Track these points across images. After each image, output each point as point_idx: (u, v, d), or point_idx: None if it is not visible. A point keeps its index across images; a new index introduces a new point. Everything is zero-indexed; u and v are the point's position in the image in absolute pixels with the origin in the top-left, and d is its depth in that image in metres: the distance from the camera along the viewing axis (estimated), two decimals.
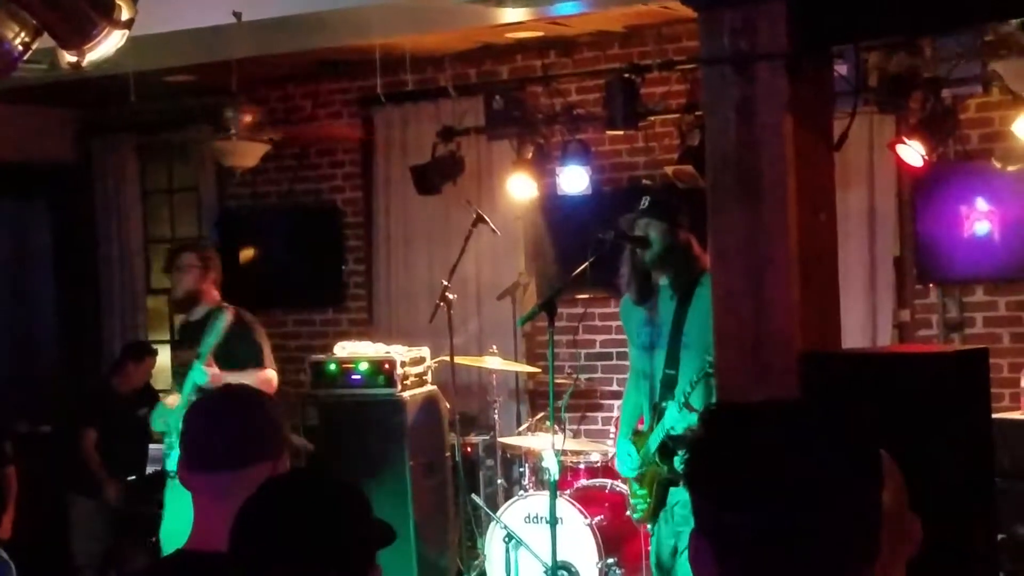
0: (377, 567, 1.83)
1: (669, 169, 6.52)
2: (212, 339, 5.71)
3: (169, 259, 6.28)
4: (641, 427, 4.98)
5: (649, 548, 5.15)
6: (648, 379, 4.96)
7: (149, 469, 7.42)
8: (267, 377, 5.91)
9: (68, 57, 3.78)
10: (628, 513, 5.17)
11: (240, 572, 1.78)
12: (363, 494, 1.88)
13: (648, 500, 4.89)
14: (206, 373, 5.65)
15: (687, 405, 4.62)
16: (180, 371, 5.95)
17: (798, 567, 1.31)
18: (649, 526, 5.01)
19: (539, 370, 7.33)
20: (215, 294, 6.11)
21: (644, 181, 7.31)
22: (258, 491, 1.85)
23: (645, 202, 4.95)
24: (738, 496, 1.32)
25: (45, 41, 3.88)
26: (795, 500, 1.30)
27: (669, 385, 4.80)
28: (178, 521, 5.72)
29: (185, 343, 6.03)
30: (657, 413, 4.85)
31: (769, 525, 1.30)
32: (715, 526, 1.35)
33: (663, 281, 4.93)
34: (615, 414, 6.81)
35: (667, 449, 4.77)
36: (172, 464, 5.82)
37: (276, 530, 1.78)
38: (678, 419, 4.66)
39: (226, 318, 5.77)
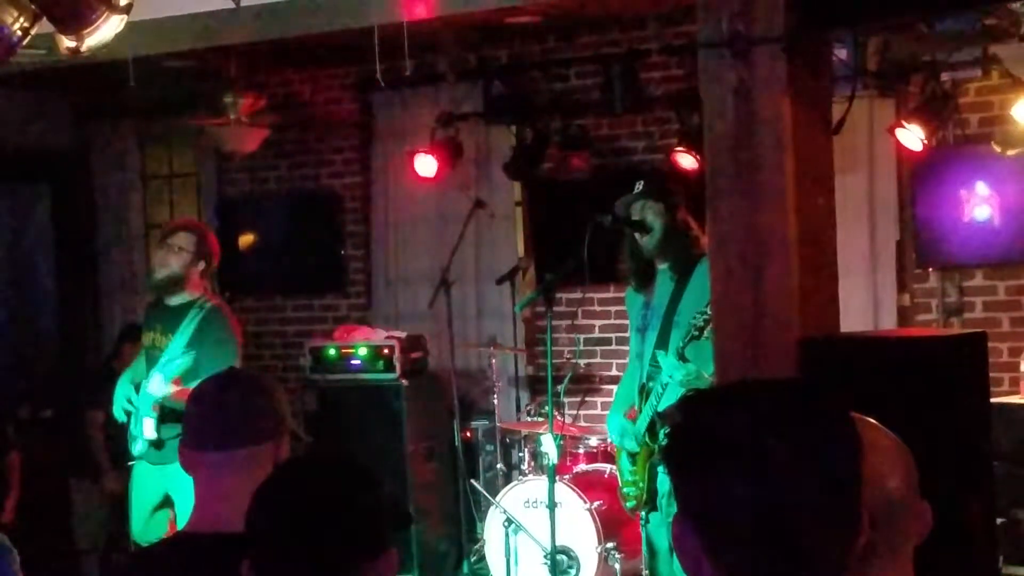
0: (392, 550, 1.84)
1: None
2: (184, 360, 5.24)
3: (163, 234, 5.65)
4: (632, 417, 5.00)
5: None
6: (639, 361, 4.98)
7: None
8: None
9: (67, 42, 3.78)
10: (621, 501, 5.17)
11: (256, 551, 1.79)
12: (377, 478, 1.89)
13: (641, 485, 4.90)
14: (168, 390, 5.22)
15: (682, 357, 4.63)
16: (151, 354, 5.49)
17: (780, 541, 1.32)
18: (642, 513, 5.01)
19: (537, 354, 7.35)
20: (200, 283, 5.53)
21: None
22: (276, 471, 1.86)
23: (639, 185, 4.97)
24: (716, 475, 1.34)
25: (44, 26, 3.88)
26: (772, 475, 1.32)
27: (658, 366, 4.81)
28: (141, 511, 5.63)
29: (156, 327, 5.50)
30: (645, 394, 4.86)
31: (748, 501, 1.32)
32: (695, 506, 1.36)
33: (663, 265, 4.94)
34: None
35: (655, 428, 4.79)
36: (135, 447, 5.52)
37: (292, 511, 1.79)
38: (676, 367, 4.65)
39: (201, 314, 5.36)
